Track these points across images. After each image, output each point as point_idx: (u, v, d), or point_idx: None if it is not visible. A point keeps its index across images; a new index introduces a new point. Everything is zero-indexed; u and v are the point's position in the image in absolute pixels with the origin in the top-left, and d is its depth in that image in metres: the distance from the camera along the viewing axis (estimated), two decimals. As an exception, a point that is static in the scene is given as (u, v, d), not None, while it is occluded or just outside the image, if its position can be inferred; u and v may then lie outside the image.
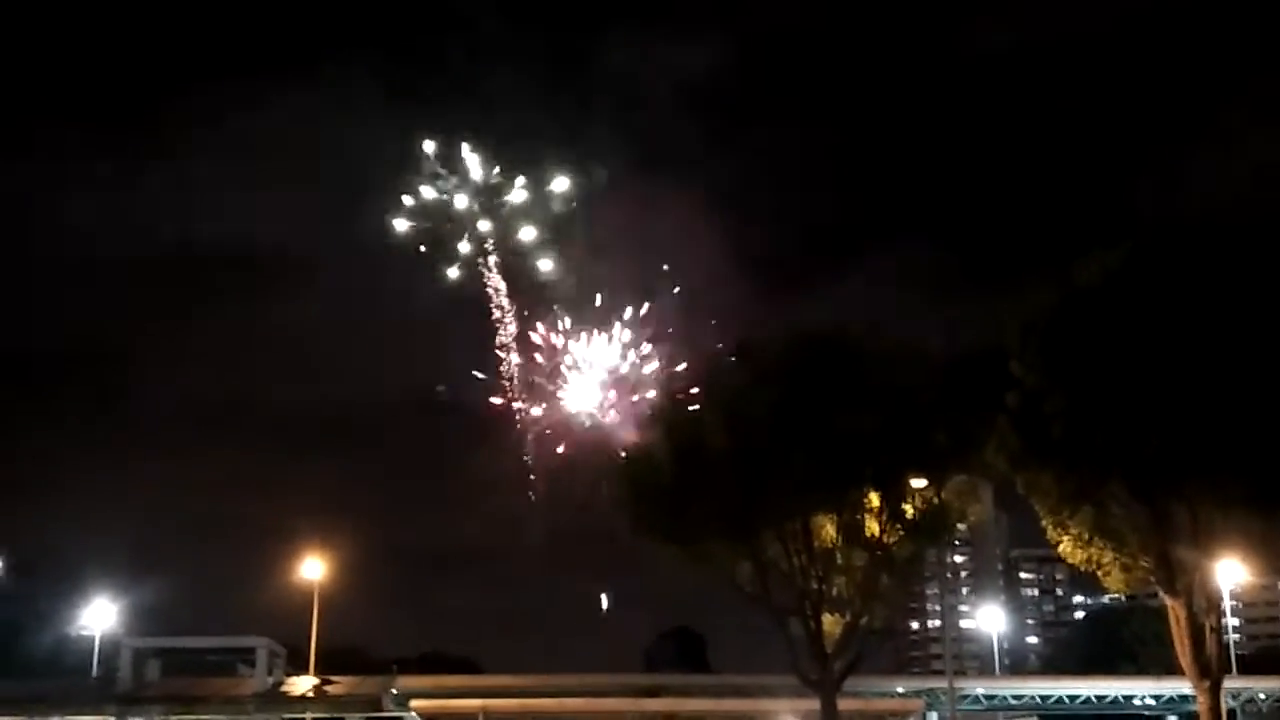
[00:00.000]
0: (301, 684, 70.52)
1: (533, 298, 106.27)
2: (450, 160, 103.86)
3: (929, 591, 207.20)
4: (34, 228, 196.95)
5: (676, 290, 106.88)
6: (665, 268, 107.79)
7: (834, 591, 54.75)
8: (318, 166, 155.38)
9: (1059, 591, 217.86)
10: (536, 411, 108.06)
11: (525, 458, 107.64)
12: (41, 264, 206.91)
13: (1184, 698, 77.94)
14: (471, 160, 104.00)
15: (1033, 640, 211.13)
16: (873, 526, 53.30)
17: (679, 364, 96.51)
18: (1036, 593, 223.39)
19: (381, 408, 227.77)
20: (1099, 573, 50.11)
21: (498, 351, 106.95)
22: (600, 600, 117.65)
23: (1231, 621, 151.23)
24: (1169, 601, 49.08)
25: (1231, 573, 64.55)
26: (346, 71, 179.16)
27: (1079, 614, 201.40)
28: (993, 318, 51.52)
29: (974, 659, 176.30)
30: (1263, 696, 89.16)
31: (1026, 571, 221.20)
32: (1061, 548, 50.22)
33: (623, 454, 61.64)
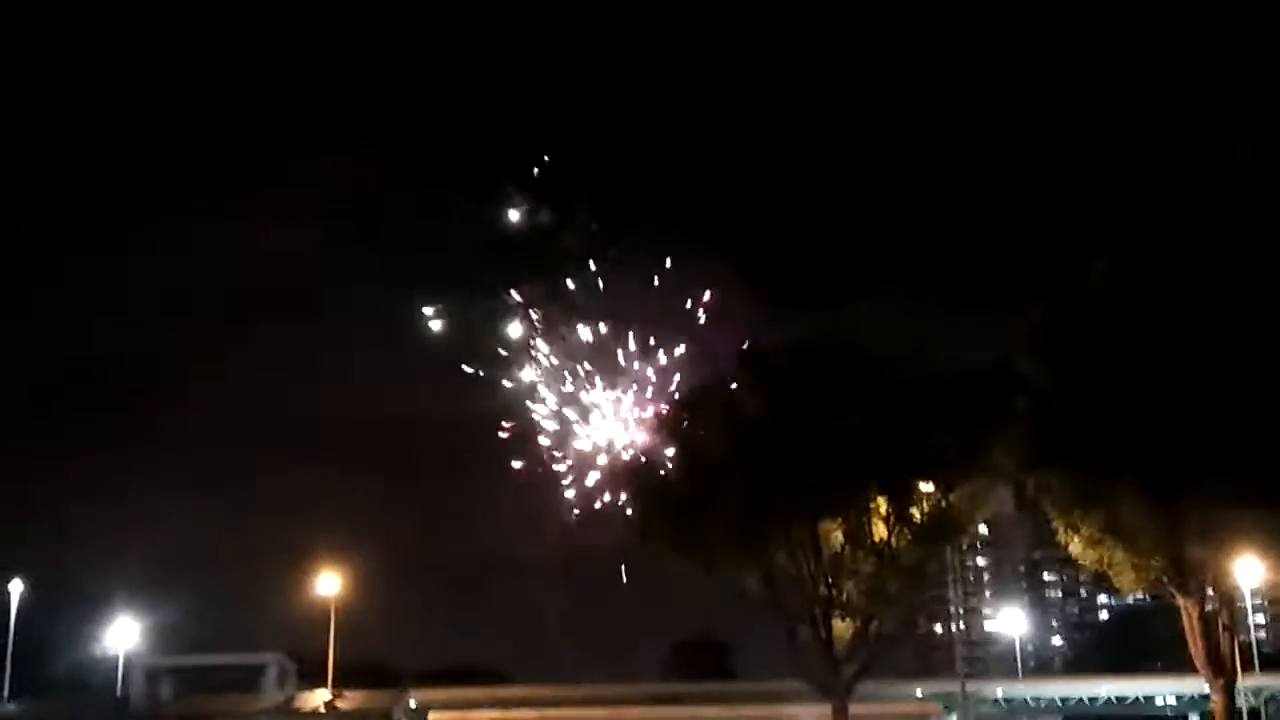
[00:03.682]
0: (314, 698, 70.42)
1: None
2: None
3: (951, 595, 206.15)
4: (75, 251, 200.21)
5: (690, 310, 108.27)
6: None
7: (843, 597, 54.22)
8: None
9: (1083, 593, 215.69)
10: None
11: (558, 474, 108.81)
12: (74, 286, 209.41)
13: (1205, 696, 77.18)
14: None
15: (1058, 642, 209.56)
16: (880, 531, 52.81)
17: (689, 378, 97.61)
18: (1060, 594, 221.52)
19: (412, 429, 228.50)
20: (1110, 573, 49.56)
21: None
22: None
23: (1257, 619, 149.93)
24: (1182, 601, 48.54)
25: (1251, 570, 63.92)
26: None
27: (1104, 614, 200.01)
28: (1004, 334, 50.98)
29: (998, 661, 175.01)
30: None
31: (1049, 572, 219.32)
32: (1072, 548, 49.69)
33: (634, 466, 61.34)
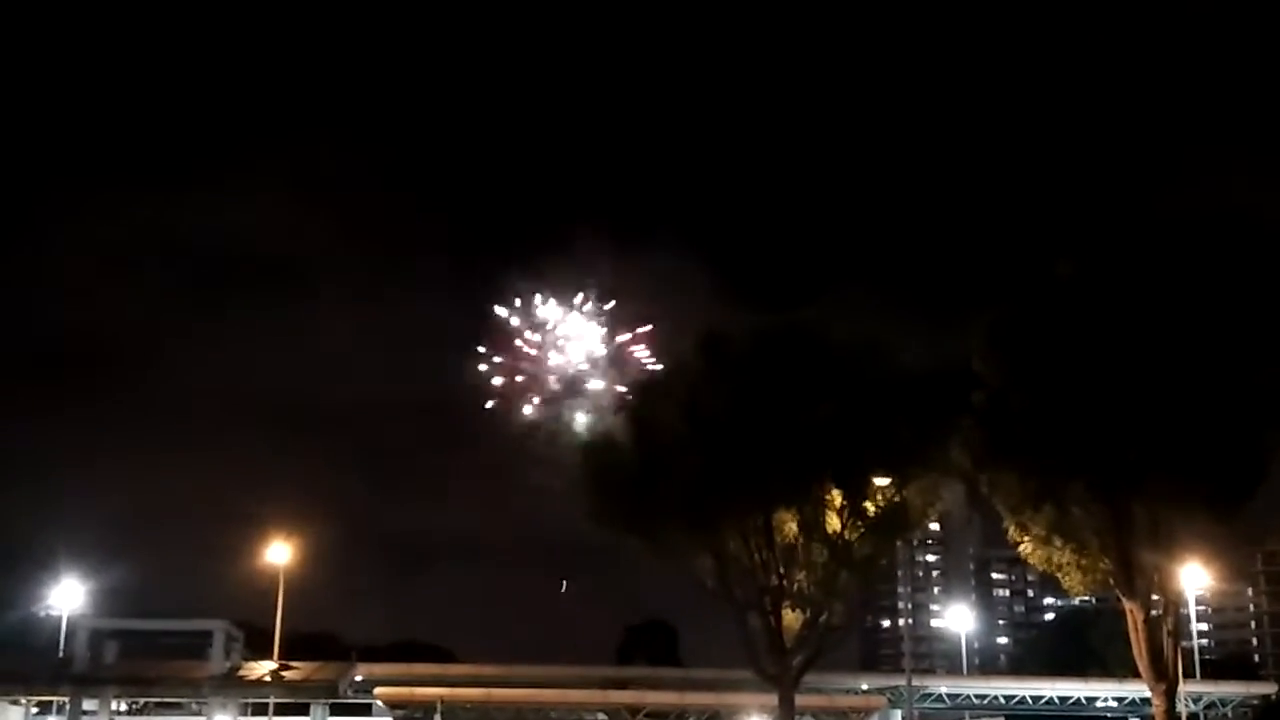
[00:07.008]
0: (260, 668, 69.91)
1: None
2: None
3: (900, 590, 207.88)
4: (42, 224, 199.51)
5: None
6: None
7: (795, 587, 54.32)
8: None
9: (1030, 593, 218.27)
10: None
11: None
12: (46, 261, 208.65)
13: (1145, 700, 77.98)
14: None
15: (1003, 640, 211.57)
16: (834, 523, 52.90)
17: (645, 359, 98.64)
18: (1008, 593, 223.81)
19: (372, 405, 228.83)
20: (1058, 574, 49.91)
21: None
22: (561, 588, 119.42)
23: (1200, 626, 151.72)
24: (1127, 604, 48.94)
25: (1195, 577, 64.61)
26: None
27: (1049, 615, 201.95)
28: (967, 332, 51.07)
29: (944, 658, 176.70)
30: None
31: (998, 572, 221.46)
32: (1022, 548, 50.06)
33: (583, 443, 61.21)
